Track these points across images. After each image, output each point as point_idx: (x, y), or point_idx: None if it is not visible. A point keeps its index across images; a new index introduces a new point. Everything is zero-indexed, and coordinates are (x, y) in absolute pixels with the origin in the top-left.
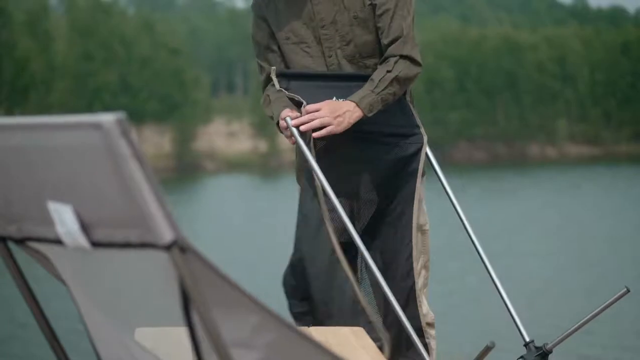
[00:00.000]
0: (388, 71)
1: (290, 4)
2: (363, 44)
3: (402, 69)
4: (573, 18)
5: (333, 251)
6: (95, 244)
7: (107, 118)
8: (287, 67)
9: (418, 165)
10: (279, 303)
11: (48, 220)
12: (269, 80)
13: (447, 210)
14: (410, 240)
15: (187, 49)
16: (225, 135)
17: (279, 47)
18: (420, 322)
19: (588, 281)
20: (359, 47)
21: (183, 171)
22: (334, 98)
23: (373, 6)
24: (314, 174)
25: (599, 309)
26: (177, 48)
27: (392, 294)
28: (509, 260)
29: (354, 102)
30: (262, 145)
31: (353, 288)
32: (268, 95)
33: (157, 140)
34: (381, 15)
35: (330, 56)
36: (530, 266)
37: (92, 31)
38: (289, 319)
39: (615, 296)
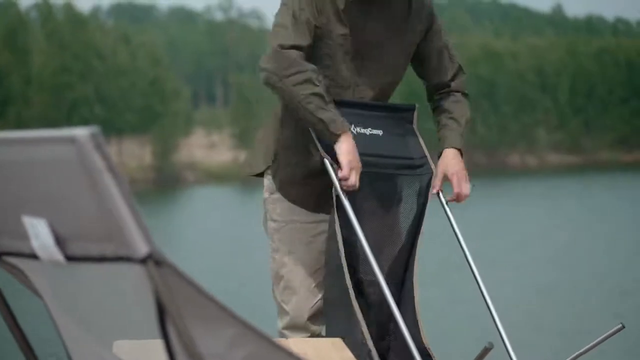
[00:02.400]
0: (467, 112)
1: (347, 12)
2: (398, 77)
3: (469, 109)
4: (551, 27)
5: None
6: (70, 258)
7: (81, 132)
8: (315, 63)
9: (428, 196)
10: (261, 315)
11: (23, 235)
12: (301, 64)
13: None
14: (413, 272)
15: (166, 60)
16: (205, 147)
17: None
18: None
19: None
20: (391, 79)
21: (164, 183)
22: (369, 129)
23: (426, 37)
24: (349, 222)
25: (592, 343)
26: (156, 59)
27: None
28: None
29: (458, 149)
30: (243, 156)
31: (362, 331)
32: (321, 96)
33: (138, 152)
34: (437, 52)
35: (365, 77)
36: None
37: (69, 44)
38: (267, 330)
39: (610, 332)
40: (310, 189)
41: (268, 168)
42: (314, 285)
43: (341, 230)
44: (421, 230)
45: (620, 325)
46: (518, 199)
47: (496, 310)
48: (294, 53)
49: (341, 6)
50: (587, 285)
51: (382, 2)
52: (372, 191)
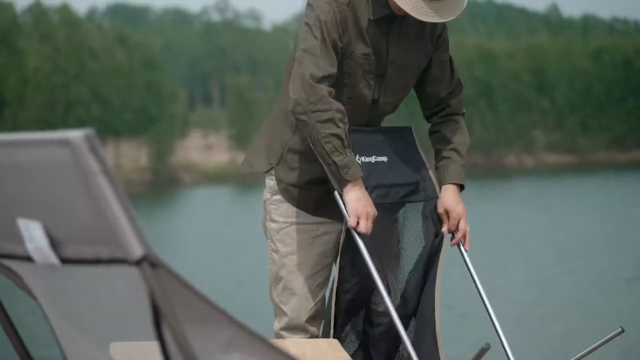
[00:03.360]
0: (466, 138)
1: (369, 32)
2: (405, 91)
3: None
4: (547, 27)
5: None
6: (65, 261)
7: (75, 134)
8: (335, 81)
9: (438, 224)
10: (257, 316)
11: (18, 237)
12: (329, 102)
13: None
14: (433, 301)
15: (162, 61)
16: (202, 148)
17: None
18: None
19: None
20: (404, 94)
21: (160, 184)
22: (374, 157)
23: (435, 50)
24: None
25: (591, 347)
26: (152, 61)
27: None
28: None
29: (458, 184)
30: (240, 158)
31: None
32: (341, 139)
33: (134, 154)
34: (439, 65)
35: (384, 94)
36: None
37: (64, 45)
38: (263, 332)
39: (610, 335)
40: (312, 193)
41: (271, 169)
42: (314, 286)
43: (351, 261)
44: (439, 259)
45: (620, 329)
46: (515, 199)
47: (493, 311)
48: (324, 89)
49: (364, 25)
50: (584, 285)
51: (400, 21)
52: (379, 222)
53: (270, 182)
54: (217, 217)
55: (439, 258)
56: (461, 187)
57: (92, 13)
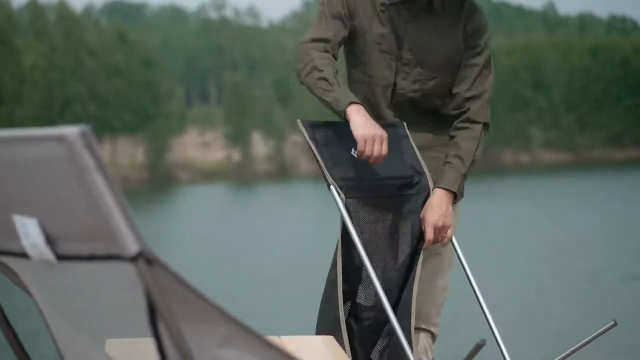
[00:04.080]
0: (476, 147)
1: (386, 13)
2: (442, 84)
3: (484, 140)
4: (543, 25)
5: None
6: (61, 257)
7: (71, 131)
8: (354, 66)
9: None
10: (253, 314)
11: (13, 234)
12: (308, 54)
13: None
14: (412, 294)
15: (159, 59)
16: (199, 146)
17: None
18: None
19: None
20: (437, 87)
21: (157, 182)
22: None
23: (466, 50)
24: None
25: (584, 340)
26: (150, 59)
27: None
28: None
29: (449, 190)
30: (236, 155)
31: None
32: (325, 79)
33: (131, 151)
34: (469, 66)
35: (404, 79)
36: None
37: (60, 42)
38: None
39: (603, 328)
40: None
41: None
42: None
43: (345, 254)
44: (420, 250)
45: (612, 322)
46: (512, 196)
47: (488, 307)
48: (309, 46)
49: (378, 7)
50: (580, 283)
51: (428, 7)
52: (373, 216)
53: None
54: (214, 214)
55: (420, 253)
56: (455, 195)
57: (88, 10)
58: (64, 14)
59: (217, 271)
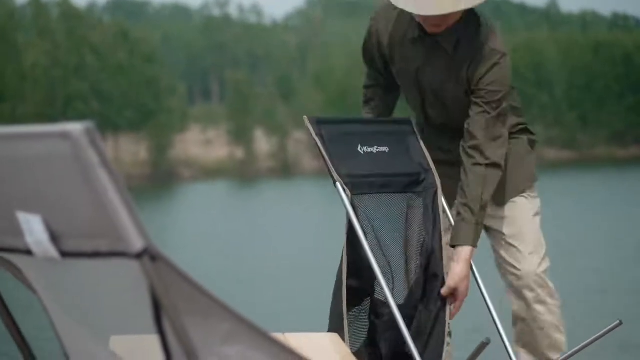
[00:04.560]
0: (482, 192)
1: (406, 48)
2: (452, 115)
3: (492, 181)
4: (546, 22)
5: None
6: (65, 254)
7: (76, 127)
8: (392, 87)
9: (437, 215)
10: (256, 311)
11: (18, 231)
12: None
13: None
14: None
15: (162, 56)
16: (201, 143)
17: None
18: None
19: None
20: (454, 118)
21: (159, 179)
22: (376, 147)
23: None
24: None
25: (590, 339)
26: (152, 56)
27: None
28: None
29: (467, 246)
30: (239, 152)
31: None
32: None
33: (133, 149)
34: (474, 107)
35: (431, 108)
36: None
37: (63, 40)
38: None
39: (608, 328)
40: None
41: None
42: None
43: (352, 252)
44: (442, 246)
45: (618, 322)
46: None
47: (493, 306)
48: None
49: (400, 41)
50: (582, 281)
51: (432, 43)
52: (381, 213)
53: None
54: (216, 212)
55: (441, 248)
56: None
57: (91, 7)
58: (67, 11)
59: (219, 269)
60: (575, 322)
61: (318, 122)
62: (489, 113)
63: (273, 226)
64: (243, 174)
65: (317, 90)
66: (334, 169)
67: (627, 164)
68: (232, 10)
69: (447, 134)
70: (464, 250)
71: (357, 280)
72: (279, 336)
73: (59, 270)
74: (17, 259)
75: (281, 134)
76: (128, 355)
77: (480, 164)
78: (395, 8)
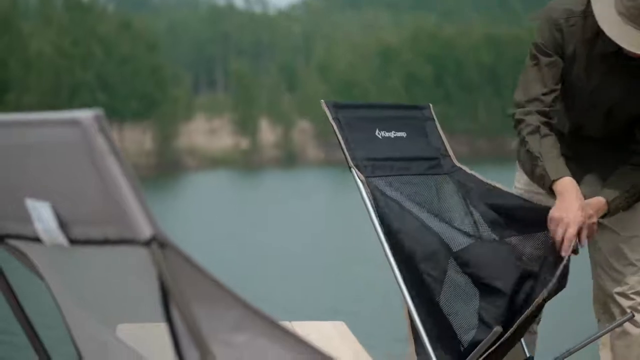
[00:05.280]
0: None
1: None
2: (630, 125)
3: None
4: None
5: None
6: (74, 241)
7: (86, 114)
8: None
9: (473, 187)
10: (263, 300)
11: (26, 218)
12: (535, 127)
13: None
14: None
15: (167, 46)
16: (206, 132)
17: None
18: None
19: None
20: (622, 131)
21: (164, 168)
22: (393, 132)
23: None
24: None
25: (601, 332)
26: (157, 45)
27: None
28: None
29: (604, 199)
30: (244, 142)
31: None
32: (538, 155)
33: (138, 138)
34: None
35: (590, 120)
36: None
37: (68, 29)
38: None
39: (620, 320)
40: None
41: None
42: None
43: (405, 238)
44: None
45: (630, 314)
46: None
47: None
48: (521, 111)
49: (584, 54)
50: (581, 278)
51: (626, 61)
52: (410, 190)
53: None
54: (221, 201)
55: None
56: (608, 208)
57: None
58: (72, 0)
59: (225, 258)
60: (575, 321)
61: (335, 106)
62: None
63: (277, 215)
64: (248, 163)
65: (321, 81)
66: (349, 154)
67: None
68: (237, 0)
69: (597, 145)
70: (597, 201)
71: (434, 264)
72: (286, 324)
73: (68, 258)
74: (25, 246)
75: (286, 123)
76: (136, 342)
77: None
78: (585, 17)
